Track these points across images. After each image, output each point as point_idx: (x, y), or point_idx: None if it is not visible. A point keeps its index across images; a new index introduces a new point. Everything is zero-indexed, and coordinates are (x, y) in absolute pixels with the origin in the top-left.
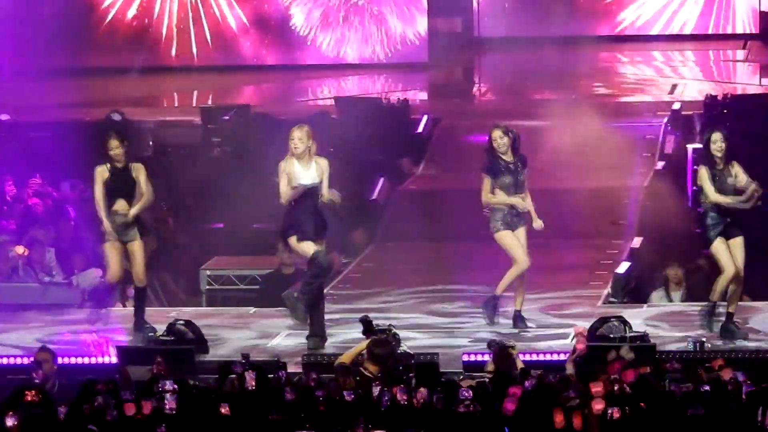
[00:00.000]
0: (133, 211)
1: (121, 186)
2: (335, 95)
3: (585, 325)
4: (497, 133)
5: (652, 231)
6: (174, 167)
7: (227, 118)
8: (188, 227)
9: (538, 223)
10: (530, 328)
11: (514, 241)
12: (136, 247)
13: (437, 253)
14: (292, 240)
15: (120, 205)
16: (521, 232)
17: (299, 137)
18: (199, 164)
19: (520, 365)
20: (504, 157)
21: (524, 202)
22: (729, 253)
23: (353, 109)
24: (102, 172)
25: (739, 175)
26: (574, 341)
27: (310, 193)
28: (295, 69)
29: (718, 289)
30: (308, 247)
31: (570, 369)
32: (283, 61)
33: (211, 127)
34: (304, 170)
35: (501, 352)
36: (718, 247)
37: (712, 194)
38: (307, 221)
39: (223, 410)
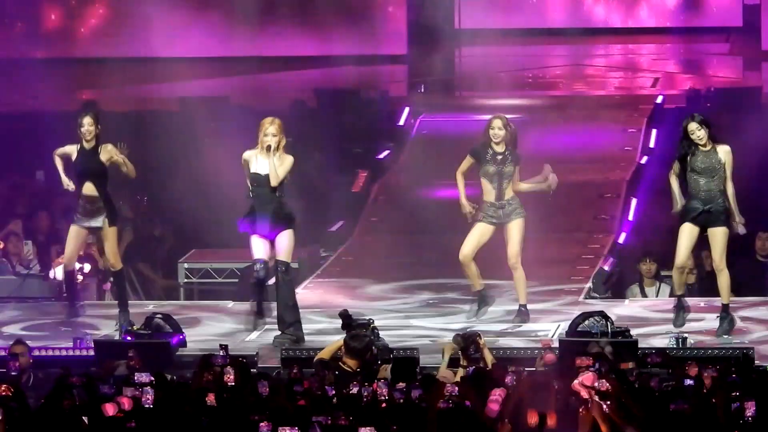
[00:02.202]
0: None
1: (88, 168)
2: (315, 87)
3: (568, 318)
4: (497, 123)
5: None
6: (154, 156)
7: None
8: (166, 218)
9: (548, 171)
10: (528, 321)
11: (469, 235)
12: (107, 233)
13: (417, 246)
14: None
15: (87, 188)
16: (512, 225)
17: (273, 132)
18: (180, 156)
19: (489, 358)
20: (495, 147)
21: (469, 207)
22: (687, 242)
23: (333, 101)
24: (70, 153)
25: (722, 155)
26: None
27: (266, 182)
28: (276, 60)
29: (675, 280)
30: (255, 248)
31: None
32: (264, 53)
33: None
34: (262, 161)
35: (468, 341)
36: (681, 231)
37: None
38: (258, 215)
39: (209, 400)
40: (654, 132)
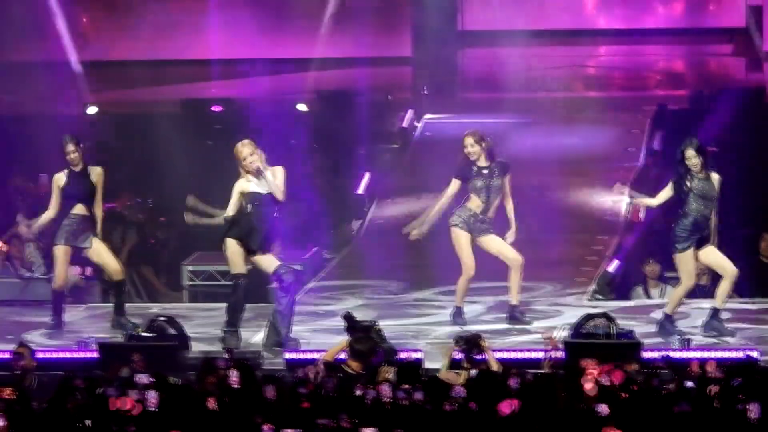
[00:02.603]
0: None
1: (78, 190)
2: (318, 89)
3: (571, 319)
4: (468, 141)
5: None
6: (157, 161)
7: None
8: (171, 222)
9: (510, 236)
10: (526, 321)
11: (465, 246)
12: (97, 247)
13: (421, 249)
14: (227, 244)
15: (78, 208)
16: (490, 239)
17: (250, 152)
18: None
19: (493, 359)
20: (477, 162)
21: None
22: (693, 265)
23: (336, 103)
24: (58, 180)
25: (715, 184)
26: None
27: (267, 201)
28: (279, 62)
29: (675, 299)
30: (237, 260)
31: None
32: (265, 55)
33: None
34: (257, 181)
35: (470, 343)
36: (684, 257)
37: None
38: (254, 232)
39: (210, 405)
40: (660, 134)
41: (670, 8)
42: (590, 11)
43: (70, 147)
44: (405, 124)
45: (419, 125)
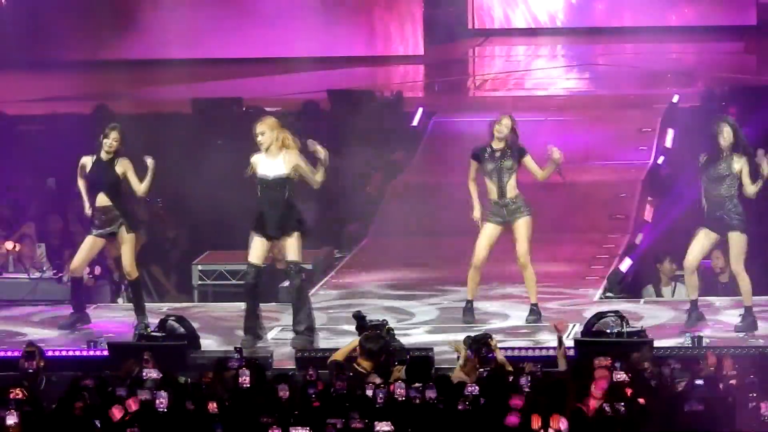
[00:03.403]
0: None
1: (101, 179)
2: (328, 88)
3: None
4: (506, 121)
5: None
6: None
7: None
8: (182, 221)
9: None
10: (541, 322)
11: (482, 236)
12: (124, 239)
13: (432, 248)
14: (252, 235)
15: (100, 199)
16: (519, 224)
17: (261, 131)
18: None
19: (502, 359)
20: (493, 144)
21: (477, 213)
22: (699, 246)
23: (346, 101)
24: (84, 164)
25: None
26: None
27: (273, 185)
28: (289, 61)
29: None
30: (253, 251)
31: (562, 365)
32: (276, 53)
33: (205, 120)
34: (269, 163)
35: (479, 342)
36: (694, 236)
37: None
38: (266, 216)
39: (210, 407)
40: (671, 132)
41: (681, 6)
42: (602, 10)
43: (113, 134)
44: (415, 122)
45: (429, 124)
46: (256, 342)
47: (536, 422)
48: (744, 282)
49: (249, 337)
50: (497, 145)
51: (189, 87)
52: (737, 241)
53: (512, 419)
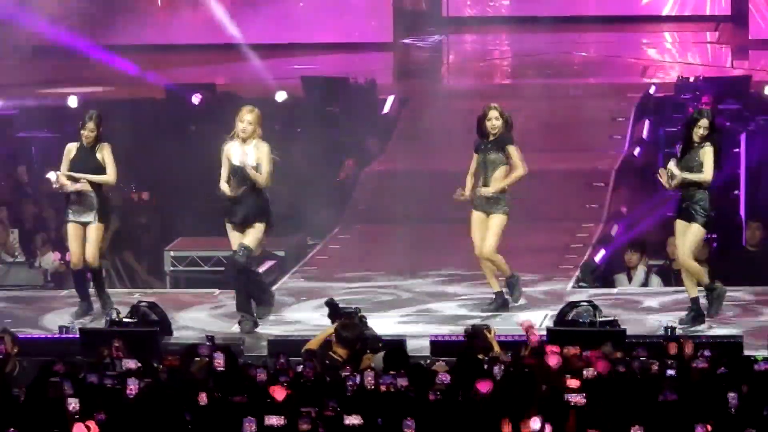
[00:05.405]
0: (78, 175)
1: (83, 164)
2: (302, 75)
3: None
4: (493, 113)
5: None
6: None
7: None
8: (154, 207)
9: (484, 191)
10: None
11: (472, 226)
12: (92, 229)
13: (404, 235)
14: (227, 225)
15: (80, 185)
16: (491, 219)
17: (249, 120)
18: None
19: (497, 348)
20: (489, 137)
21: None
22: (682, 240)
23: (319, 88)
24: (69, 151)
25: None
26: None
27: (239, 173)
28: (262, 48)
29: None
30: (232, 239)
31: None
32: (250, 40)
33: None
34: (240, 151)
35: (475, 334)
36: (675, 231)
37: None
38: (233, 204)
39: (201, 400)
40: (647, 123)
41: None
42: None
43: (89, 125)
44: (387, 110)
45: (402, 111)
46: (255, 327)
47: (507, 428)
48: (693, 271)
49: (248, 317)
50: (490, 137)
51: (160, 73)
52: (695, 233)
53: (482, 388)
